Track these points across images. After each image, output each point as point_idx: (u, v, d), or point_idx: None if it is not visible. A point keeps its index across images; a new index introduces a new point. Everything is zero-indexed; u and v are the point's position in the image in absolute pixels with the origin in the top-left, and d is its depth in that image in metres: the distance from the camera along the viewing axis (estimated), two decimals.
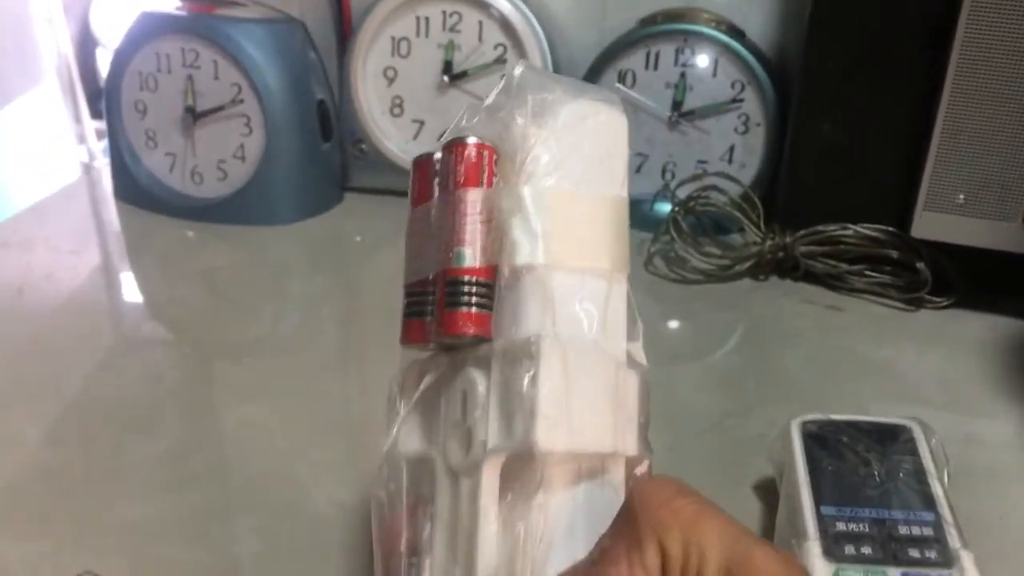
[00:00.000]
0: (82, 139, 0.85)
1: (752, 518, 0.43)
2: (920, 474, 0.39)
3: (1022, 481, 0.46)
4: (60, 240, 0.72)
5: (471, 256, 0.25)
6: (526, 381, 0.24)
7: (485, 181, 0.26)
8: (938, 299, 0.61)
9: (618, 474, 0.27)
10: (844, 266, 0.62)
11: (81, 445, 0.49)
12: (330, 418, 0.52)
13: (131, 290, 0.67)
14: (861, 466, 0.39)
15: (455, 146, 0.26)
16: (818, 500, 0.38)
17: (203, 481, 0.47)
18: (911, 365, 0.56)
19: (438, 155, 0.27)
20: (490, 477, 0.24)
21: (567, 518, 0.25)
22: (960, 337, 0.58)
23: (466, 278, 0.25)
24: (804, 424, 0.42)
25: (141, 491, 0.46)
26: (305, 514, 0.44)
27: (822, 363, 0.56)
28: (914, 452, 0.40)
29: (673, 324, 0.62)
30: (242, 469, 0.48)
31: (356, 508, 0.44)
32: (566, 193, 0.26)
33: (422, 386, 0.27)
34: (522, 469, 0.24)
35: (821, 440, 0.41)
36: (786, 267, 0.64)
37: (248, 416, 0.52)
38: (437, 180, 0.27)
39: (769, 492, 0.44)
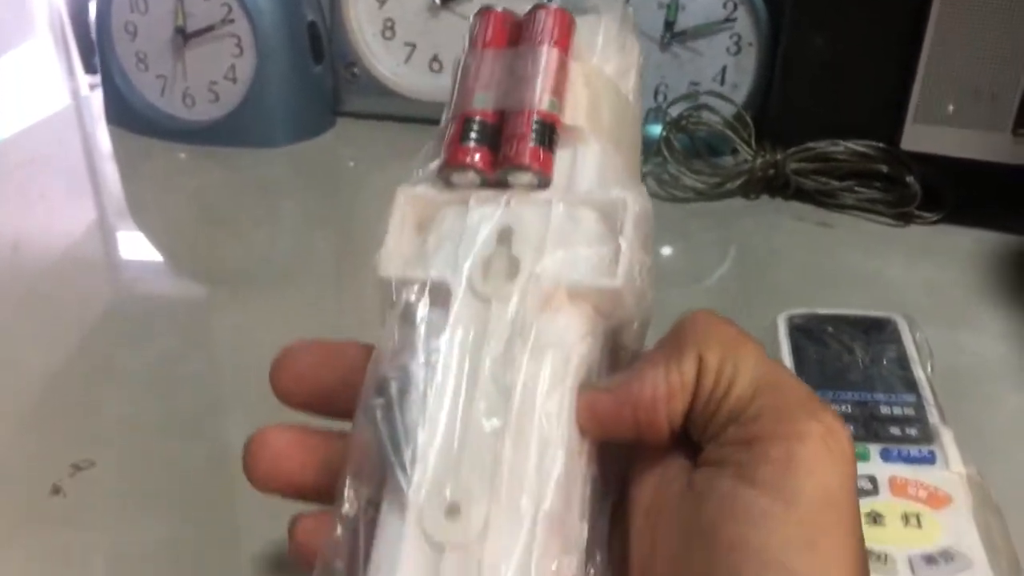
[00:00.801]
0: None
1: None
2: (903, 360, 0.39)
3: (1007, 386, 0.47)
4: (53, 161, 0.72)
5: (559, 107, 0.26)
6: (599, 227, 0.24)
7: (569, 47, 0.27)
8: (927, 214, 0.61)
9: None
10: (834, 183, 0.62)
11: (75, 353, 0.50)
12: (323, 328, 0.52)
13: (123, 214, 0.67)
14: (845, 354, 0.40)
15: (552, 10, 0.27)
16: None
17: (195, 382, 0.47)
18: (900, 278, 0.57)
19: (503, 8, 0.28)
20: (554, 312, 0.23)
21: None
22: (949, 250, 0.59)
23: (553, 124, 0.26)
24: (790, 318, 0.42)
25: (134, 392, 0.46)
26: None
27: (812, 277, 0.57)
28: (898, 341, 0.41)
29: (666, 244, 0.62)
30: (234, 371, 0.48)
31: None
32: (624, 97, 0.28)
33: (440, 217, 0.26)
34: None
35: (806, 332, 0.41)
36: (777, 185, 0.64)
37: (241, 324, 0.53)
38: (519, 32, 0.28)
39: None
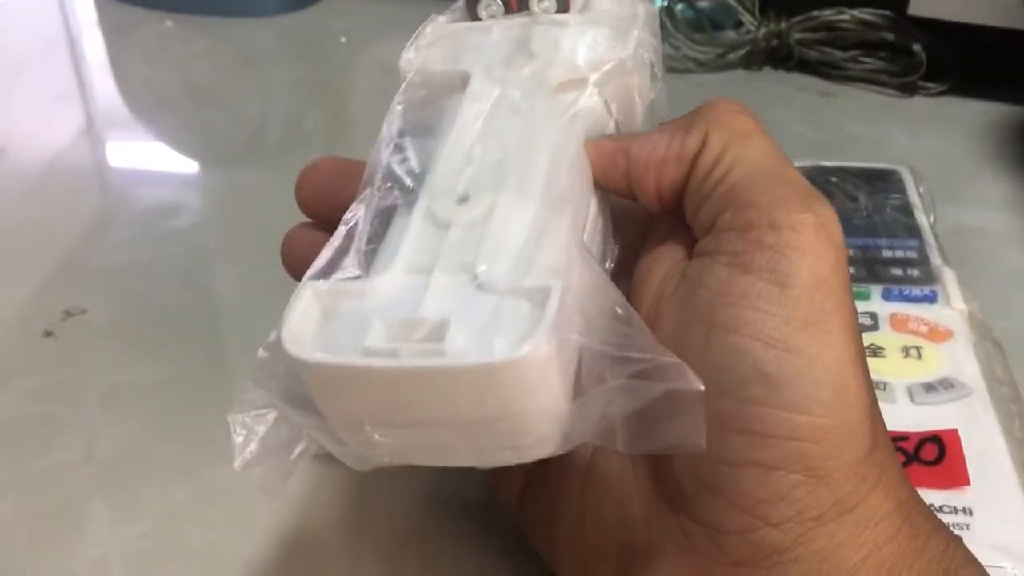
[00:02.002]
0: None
1: None
2: (906, 208, 0.39)
3: (1010, 248, 0.46)
4: (33, 29, 0.69)
5: None
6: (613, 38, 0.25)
7: None
8: (932, 85, 0.60)
9: None
10: (838, 53, 0.61)
11: (64, 203, 0.49)
12: None
13: (110, 88, 0.65)
14: (848, 202, 0.39)
15: None
16: None
17: (188, 234, 0.46)
18: (903, 147, 0.56)
19: None
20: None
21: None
22: (953, 121, 0.58)
23: None
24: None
25: (126, 241, 0.46)
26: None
27: (814, 147, 0.56)
28: (902, 191, 0.40)
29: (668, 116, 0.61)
30: (227, 225, 0.48)
31: None
32: None
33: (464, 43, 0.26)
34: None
35: (810, 182, 0.40)
36: (780, 56, 0.63)
37: (235, 181, 0.52)
38: None
39: None
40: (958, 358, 0.32)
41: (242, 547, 0.29)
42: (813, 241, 0.20)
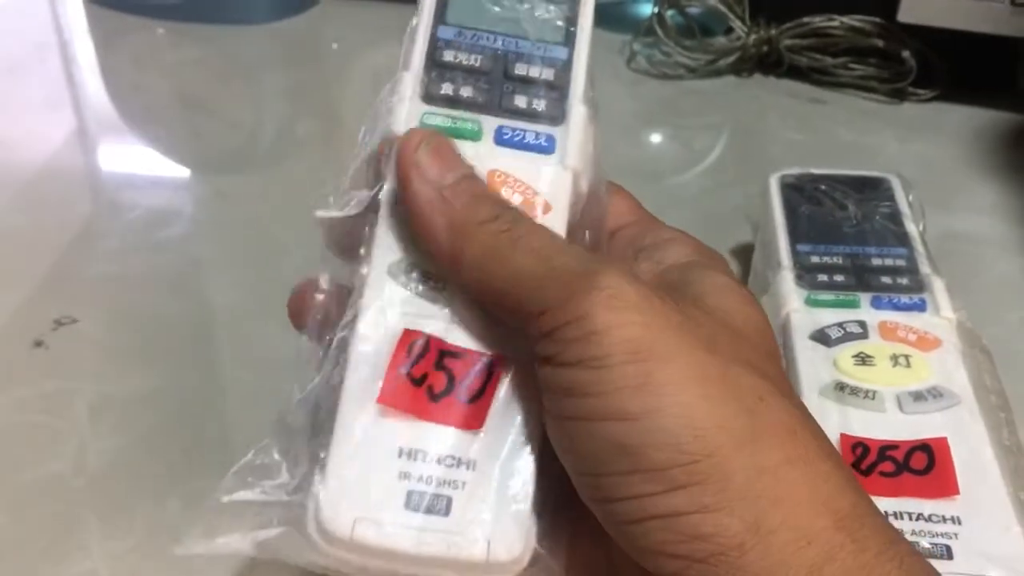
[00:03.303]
0: None
1: None
2: (896, 216, 0.39)
3: (995, 253, 0.47)
4: (26, 36, 0.69)
5: None
6: None
7: None
8: (922, 91, 0.60)
9: None
10: (829, 59, 0.61)
11: (54, 211, 0.49)
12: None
13: (101, 95, 0.65)
14: (838, 210, 0.39)
15: None
16: (794, 239, 0.38)
17: (179, 243, 0.47)
18: (893, 153, 0.56)
19: None
20: None
21: None
22: (942, 127, 0.58)
23: None
24: (783, 177, 0.42)
25: (117, 250, 0.46)
26: (280, 269, 0.44)
27: (804, 153, 0.56)
28: (891, 199, 0.40)
29: (660, 123, 0.62)
30: (219, 234, 0.48)
31: None
32: None
33: None
34: None
35: (799, 190, 0.41)
36: (769, 62, 0.63)
37: (227, 188, 0.52)
38: None
39: (748, 253, 0.44)
40: (947, 367, 0.32)
41: (231, 560, 0.29)
42: (607, 316, 0.21)
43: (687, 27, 0.65)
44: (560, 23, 0.26)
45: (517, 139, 0.25)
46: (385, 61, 0.74)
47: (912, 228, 0.38)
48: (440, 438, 0.22)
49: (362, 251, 0.24)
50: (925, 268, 0.36)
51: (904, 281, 0.35)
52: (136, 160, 0.57)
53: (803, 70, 0.62)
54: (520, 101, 0.25)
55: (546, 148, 0.25)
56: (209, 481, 0.32)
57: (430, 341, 0.23)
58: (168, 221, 0.48)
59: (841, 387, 0.31)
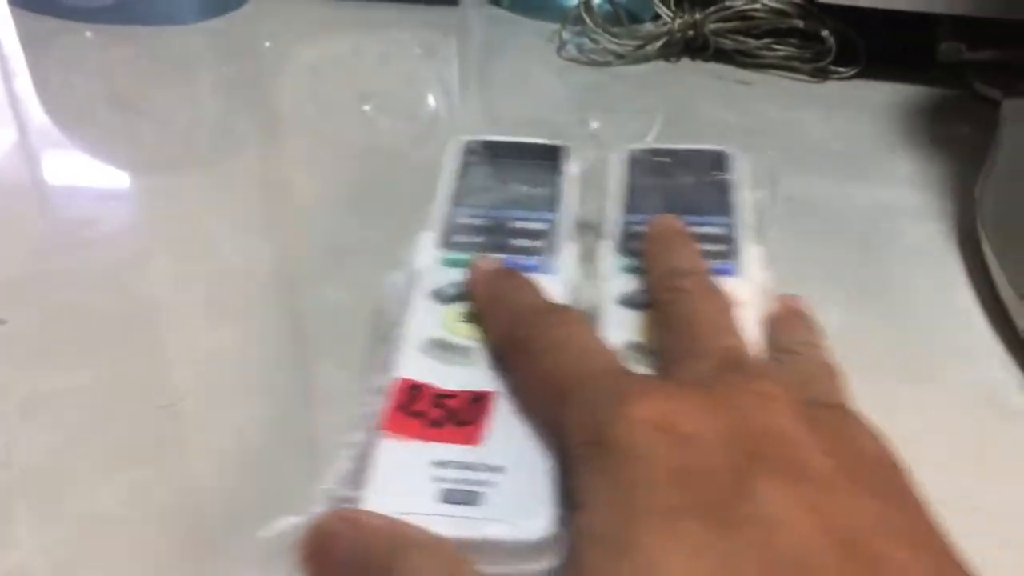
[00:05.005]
0: None
1: None
2: (726, 187, 0.39)
3: (909, 221, 0.48)
4: None
5: None
6: None
7: None
8: (842, 69, 0.62)
9: None
10: (752, 41, 0.62)
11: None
12: (252, 211, 0.52)
13: (31, 97, 0.64)
14: (672, 182, 0.40)
15: None
16: (626, 211, 0.38)
17: (112, 240, 0.46)
18: (817, 129, 0.58)
19: None
20: None
21: None
22: (863, 104, 0.60)
23: None
24: (631, 151, 0.42)
25: (46, 251, 0.45)
26: (216, 263, 0.44)
27: (733, 130, 0.57)
28: (725, 170, 0.40)
29: (593, 109, 0.62)
30: (153, 232, 0.48)
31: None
32: None
33: None
34: None
35: (641, 163, 0.41)
36: (696, 46, 0.64)
37: (163, 187, 0.52)
38: None
39: None
40: (746, 328, 0.31)
41: (164, 547, 0.30)
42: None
43: (614, 14, 0.66)
44: None
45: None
46: (318, 55, 0.75)
47: (738, 199, 0.39)
48: (454, 452, 0.26)
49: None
50: (741, 237, 0.36)
51: (720, 248, 0.36)
52: (68, 163, 0.56)
53: (729, 53, 0.63)
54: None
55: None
56: (143, 471, 0.32)
57: (423, 388, 0.28)
58: (100, 220, 0.48)
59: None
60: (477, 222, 0.37)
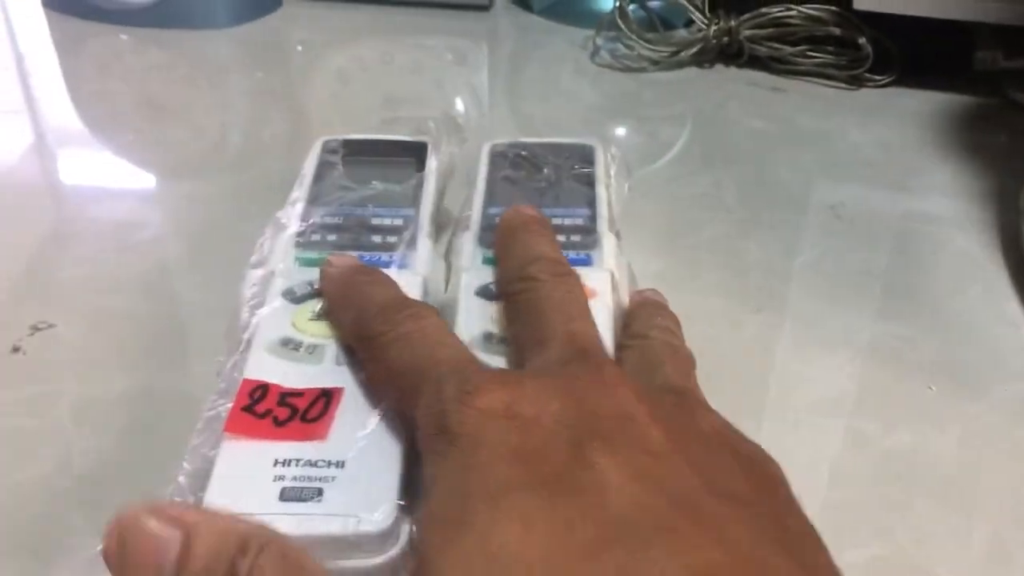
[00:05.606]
0: None
1: None
2: (588, 180, 0.40)
3: (952, 231, 0.48)
4: None
5: None
6: None
7: None
8: (878, 77, 0.61)
9: None
10: (787, 48, 0.62)
11: (20, 220, 0.49)
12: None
13: (65, 102, 0.65)
14: (535, 174, 0.40)
15: None
16: (488, 203, 0.39)
17: (150, 246, 0.47)
18: (853, 138, 0.57)
19: None
20: None
21: None
22: (899, 112, 0.60)
23: None
24: (493, 145, 0.42)
25: (88, 255, 0.46)
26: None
27: (766, 138, 0.57)
28: (589, 163, 0.41)
29: (624, 116, 0.62)
30: (189, 236, 0.48)
31: None
32: None
33: None
34: None
35: (504, 156, 0.41)
36: (730, 53, 0.64)
37: (195, 192, 0.52)
38: None
39: None
40: (600, 317, 0.31)
41: None
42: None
43: (648, 20, 0.66)
44: None
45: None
46: (349, 61, 0.75)
47: (601, 192, 0.39)
48: (298, 449, 0.26)
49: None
50: (601, 228, 0.37)
51: (577, 239, 0.36)
52: (101, 167, 0.57)
53: (763, 60, 0.63)
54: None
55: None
56: None
57: (270, 387, 0.28)
58: (137, 225, 0.48)
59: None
60: (334, 220, 0.37)
